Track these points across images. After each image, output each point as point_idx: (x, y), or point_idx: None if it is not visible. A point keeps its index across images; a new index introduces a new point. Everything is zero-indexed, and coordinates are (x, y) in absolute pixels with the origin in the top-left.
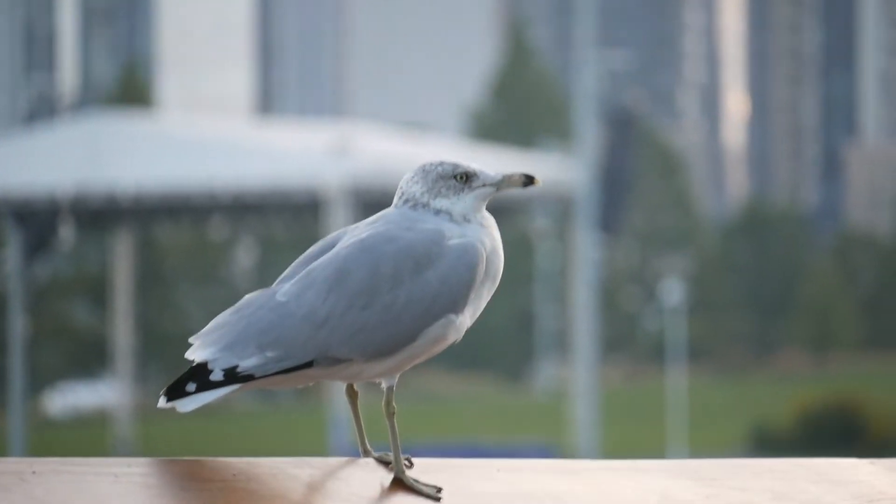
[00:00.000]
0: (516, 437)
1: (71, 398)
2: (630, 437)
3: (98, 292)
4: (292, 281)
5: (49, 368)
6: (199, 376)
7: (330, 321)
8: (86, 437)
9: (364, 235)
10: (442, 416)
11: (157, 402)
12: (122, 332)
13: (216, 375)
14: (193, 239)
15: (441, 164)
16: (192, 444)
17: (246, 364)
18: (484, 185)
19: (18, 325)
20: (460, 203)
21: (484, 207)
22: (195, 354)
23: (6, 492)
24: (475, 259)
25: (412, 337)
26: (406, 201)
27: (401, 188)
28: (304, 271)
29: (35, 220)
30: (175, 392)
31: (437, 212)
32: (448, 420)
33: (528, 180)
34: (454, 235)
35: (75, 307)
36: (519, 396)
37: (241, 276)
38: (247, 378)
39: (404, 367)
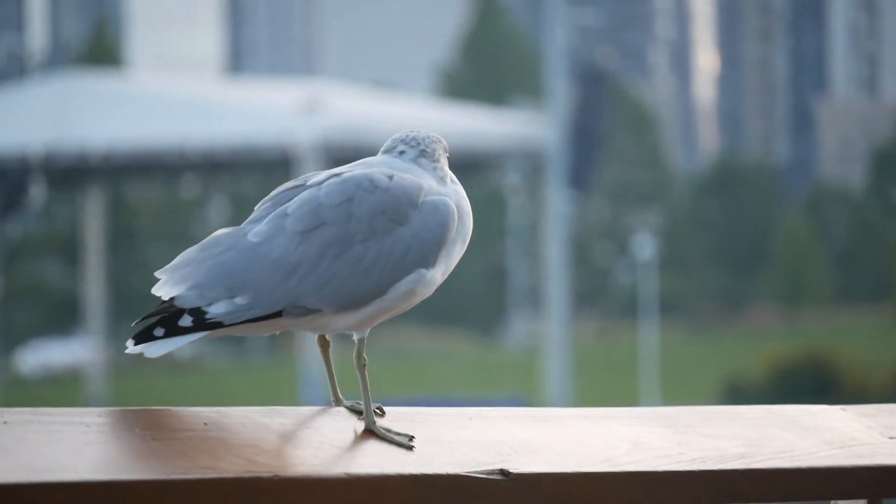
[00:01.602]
0: (489, 391)
1: (43, 356)
2: (602, 391)
3: (69, 251)
4: (264, 221)
5: (21, 327)
6: (168, 322)
7: (301, 269)
8: (58, 395)
9: (346, 175)
10: (414, 372)
11: (126, 348)
12: (94, 291)
13: (184, 321)
14: (165, 197)
15: (441, 140)
16: (165, 400)
17: (215, 311)
18: None
19: None
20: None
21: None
22: (162, 290)
23: None
24: (447, 216)
25: (382, 290)
26: (413, 148)
27: (414, 139)
28: (276, 212)
29: (5, 179)
30: (143, 337)
31: (429, 165)
32: (421, 376)
33: None
34: (431, 191)
35: (47, 266)
36: (491, 352)
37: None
38: (215, 325)
39: (374, 321)
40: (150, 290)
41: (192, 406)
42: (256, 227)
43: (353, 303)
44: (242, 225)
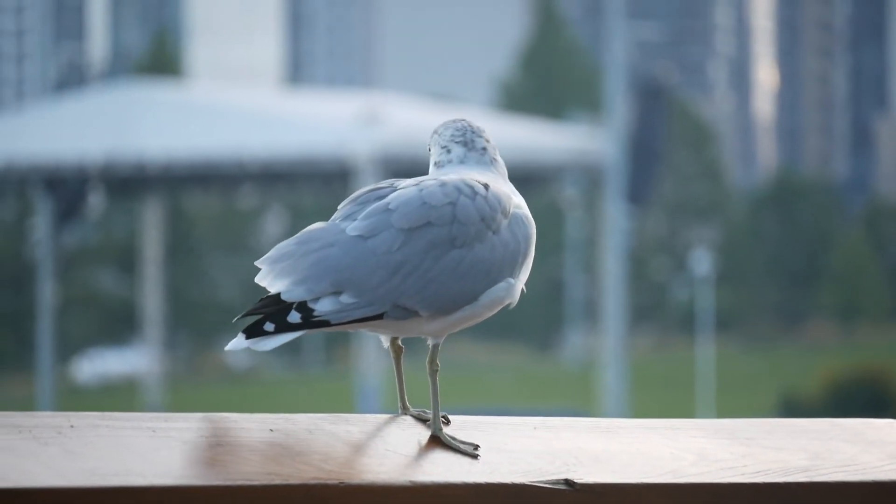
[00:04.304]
0: (545, 405)
1: (100, 365)
2: (659, 406)
3: (127, 260)
4: (360, 216)
5: (78, 336)
6: (276, 317)
7: (404, 267)
8: (114, 404)
9: (444, 179)
10: (471, 385)
11: (230, 343)
12: (151, 300)
13: (293, 318)
14: (222, 208)
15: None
16: (222, 410)
17: (321, 308)
18: None
19: (47, 292)
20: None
21: None
22: (267, 283)
23: (43, 445)
24: (530, 231)
25: (474, 296)
26: (481, 151)
27: (462, 135)
28: (373, 207)
29: (64, 188)
30: (252, 332)
31: (500, 173)
32: (477, 389)
33: None
34: (516, 204)
35: (104, 275)
36: (548, 366)
37: (269, 245)
38: (323, 324)
39: (458, 326)
40: (206, 299)
41: None
42: (354, 223)
43: (447, 307)
44: (331, 222)
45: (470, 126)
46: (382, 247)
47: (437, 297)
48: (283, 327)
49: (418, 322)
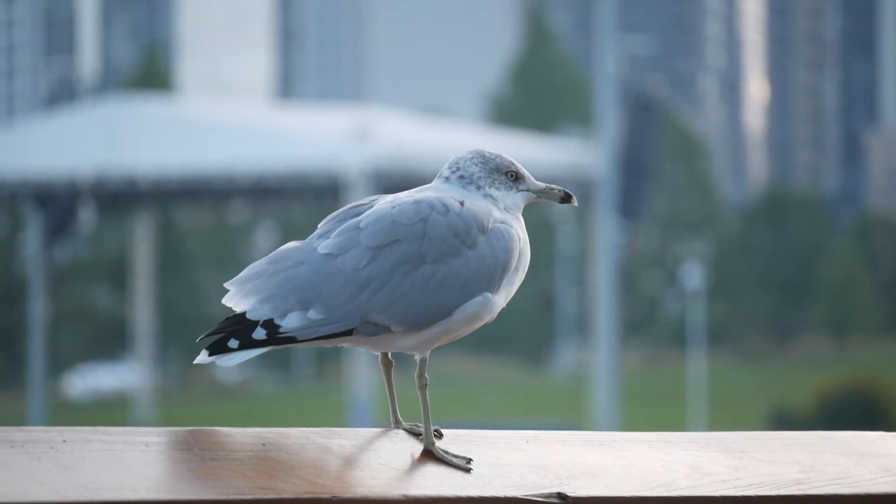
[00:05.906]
0: (537, 419)
1: (91, 381)
2: (650, 420)
3: (118, 275)
4: (333, 234)
5: (69, 351)
6: (241, 334)
7: (372, 284)
8: (106, 419)
9: (418, 197)
10: (463, 398)
11: (197, 358)
12: (142, 315)
13: (258, 334)
14: (213, 222)
15: (499, 156)
16: (213, 425)
17: (288, 324)
18: (528, 190)
19: (39, 307)
20: (508, 198)
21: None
22: (234, 303)
23: (35, 459)
24: (512, 244)
25: (448, 311)
26: (461, 177)
27: (455, 164)
28: (345, 225)
29: (55, 203)
30: (216, 349)
31: (486, 196)
32: (469, 403)
33: (567, 197)
34: (497, 219)
35: (95, 290)
36: (539, 380)
37: None
38: (289, 340)
39: (437, 341)
40: (197, 314)
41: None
42: (326, 241)
43: (420, 322)
44: (308, 240)
45: (468, 158)
46: (350, 264)
47: (407, 313)
48: (247, 344)
49: (392, 337)
